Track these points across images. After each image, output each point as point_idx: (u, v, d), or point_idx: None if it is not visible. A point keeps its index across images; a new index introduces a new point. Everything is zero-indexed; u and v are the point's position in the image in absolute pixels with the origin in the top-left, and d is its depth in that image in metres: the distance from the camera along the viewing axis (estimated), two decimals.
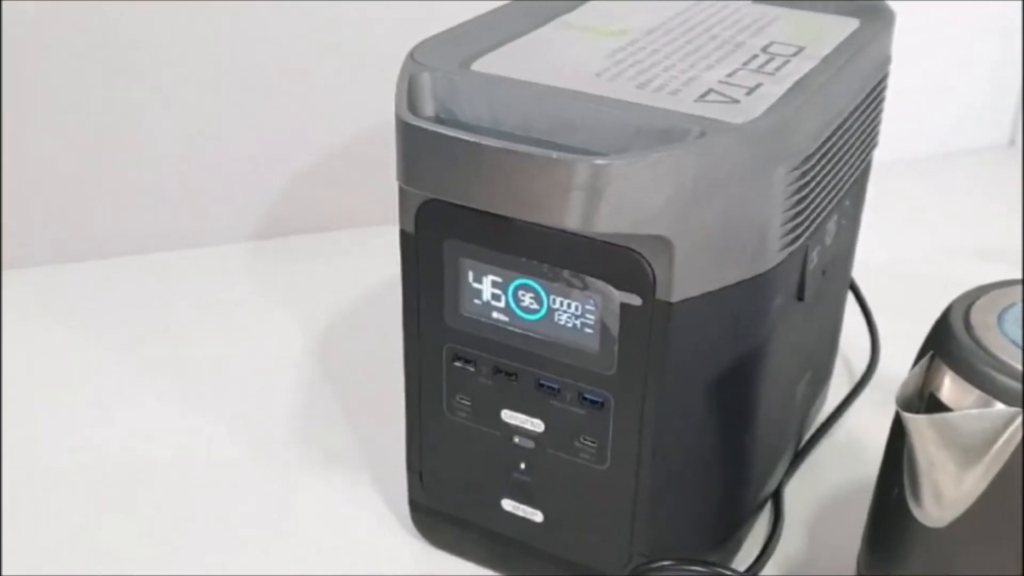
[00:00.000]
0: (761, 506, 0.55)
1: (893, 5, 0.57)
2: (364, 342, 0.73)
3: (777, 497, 0.56)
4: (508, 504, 0.51)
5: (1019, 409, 0.38)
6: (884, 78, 0.56)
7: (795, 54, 0.50)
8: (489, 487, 0.51)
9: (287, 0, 0.78)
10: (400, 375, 0.52)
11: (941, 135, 1.00)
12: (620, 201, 0.40)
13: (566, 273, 0.44)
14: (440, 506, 0.53)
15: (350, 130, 0.84)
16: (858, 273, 0.64)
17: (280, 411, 0.66)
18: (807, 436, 0.61)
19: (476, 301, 0.47)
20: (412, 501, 0.54)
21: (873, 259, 0.67)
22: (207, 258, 0.83)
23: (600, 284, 0.44)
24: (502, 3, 0.55)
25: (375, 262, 0.80)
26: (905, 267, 0.78)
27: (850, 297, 0.65)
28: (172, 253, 0.83)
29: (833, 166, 0.49)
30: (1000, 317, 0.42)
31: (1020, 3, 0.96)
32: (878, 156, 0.59)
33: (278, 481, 0.60)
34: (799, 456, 0.60)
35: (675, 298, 0.43)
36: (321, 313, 0.76)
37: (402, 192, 0.47)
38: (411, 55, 0.48)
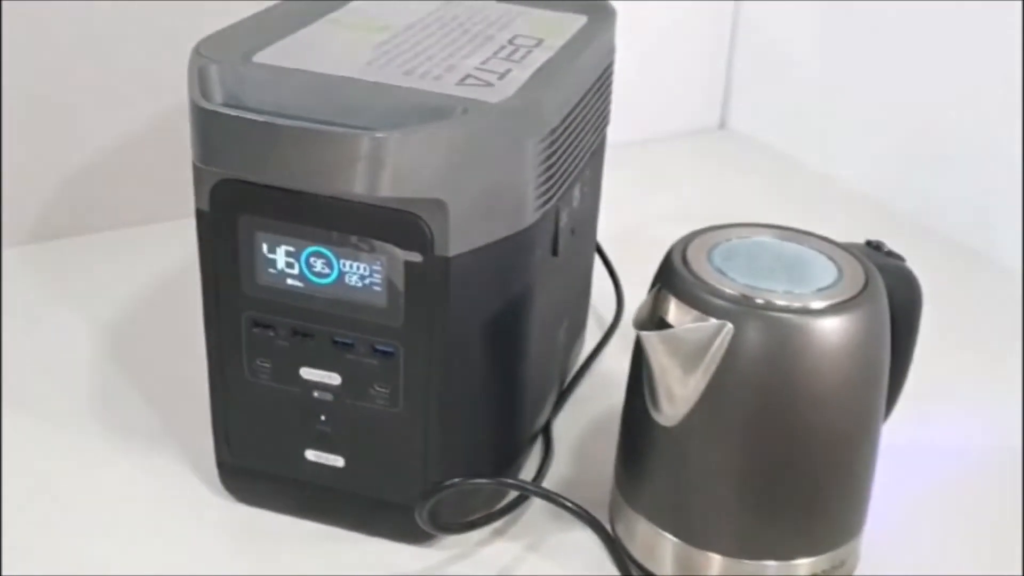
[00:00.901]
0: (535, 437, 0.63)
1: (617, 5, 0.67)
2: (150, 328, 0.74)
3: (547, 429, 0.64)
4: (311, 454, 0.55)
5: (725, 321, 0.48)
6: (610, 64, 0.66)
7: (536, 45, 0.58)
8: (292, 440, 0.55)
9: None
10: (194, 351, 0.55)
11: (662, 119, 1.13)
12: (400, 169, 0.47)
13: (354, 238, 0.50)
14: (246, 463, 0.57)
15: (119, 130, 0.84)
16: (601, 237, 0.74)
17: (75, 399, 0.66)
18: (570, 377, 0.70)
19: (271, 270, 0.51)
20: (219, 462, 0.58)
21: (612, 225, 0.77)
22: None
23: (385, 246, 0.49)
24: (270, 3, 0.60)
25: (142, 259, 0.82)
26: (640, 232, 0.88)
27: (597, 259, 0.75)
28: None
29: (575, 139, 0.58)
30: (709, 253, 0.52)
31: (730, 4, 1.11)
32: (613, 137, 0.69)
33: (85, 467, 0.61)
34: (564, 394, 0.68)
35: (451, 253, 0.49)
36: (103, 309, 0.76)
37: (197, 173, 0.50)
38: (196, 49, 0.51)
